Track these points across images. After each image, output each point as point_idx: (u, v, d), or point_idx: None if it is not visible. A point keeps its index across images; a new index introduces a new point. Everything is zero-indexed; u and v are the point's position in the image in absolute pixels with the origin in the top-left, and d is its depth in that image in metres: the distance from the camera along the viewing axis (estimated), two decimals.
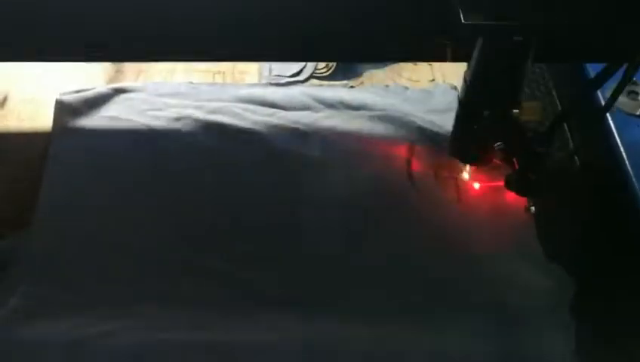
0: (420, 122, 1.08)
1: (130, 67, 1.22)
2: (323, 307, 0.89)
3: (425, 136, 1.07)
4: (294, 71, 1.22)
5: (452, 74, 1.22)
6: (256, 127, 1.08)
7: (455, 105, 1.12)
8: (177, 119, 1.09)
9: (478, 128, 0.79)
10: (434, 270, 0.93)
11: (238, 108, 1.11)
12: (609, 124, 0.97)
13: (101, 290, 0.89)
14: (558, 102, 1.08)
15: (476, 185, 0.98)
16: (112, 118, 1.10)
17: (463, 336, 0.87)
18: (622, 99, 0.98)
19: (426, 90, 1.19)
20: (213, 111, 1.10)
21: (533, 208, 0.86)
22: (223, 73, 1.22)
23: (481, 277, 0.93)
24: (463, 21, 0.63)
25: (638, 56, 0.67)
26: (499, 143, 0.78)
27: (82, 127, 1.08)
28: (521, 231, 0.98)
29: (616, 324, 0.87)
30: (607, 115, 0.96)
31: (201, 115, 1.10)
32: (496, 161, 0.83)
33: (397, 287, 0.92)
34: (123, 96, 1.13)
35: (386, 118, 1.09)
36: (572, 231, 0.98)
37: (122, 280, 0.90)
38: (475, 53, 0.70)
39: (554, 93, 1.10)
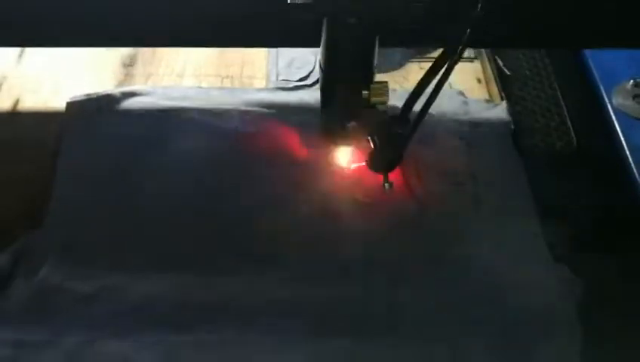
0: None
1: (139, 71, 1.23)
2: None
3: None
4: (302, 75, 1.23)
5: (459, 80, 1.22)
6: (263, 131, 1.10)
7: (463, 110, 1.15)
8: (185, 122, 1.11)
9: (332, 110, 0.84)
10: (437, 270, 0.94)
11: (246, 111, 1.13)
12: (615, 128, 0.98)
13: (114, 289, 0.90)
14: (563, 104, 1.09)
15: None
16: (120, 120, 1.11)
17: (466, 337, 0.87)
18: (627, 103, 0.98)
19: None
20: (221, 115, 1.12)
21: (387, 185, 0.89)
22: (232, 77, 1.24)
23: (486, 278, 0.93)
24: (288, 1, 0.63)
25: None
26: (352, 123, 0.83)
27: (92, 129, 1.10)
28: (526, 231, 0.99)
29: (625, 325, 0.87)
30: (613, 118, 0.97)
31: (209, 118, 1.11)
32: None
33: (398, 285, 0.92)
34: (132, 99, 1.15)
35: None
36: (579, 232, 0.99)
37: (135, 279, 0.91)
38: (322, 36, 0.73)
39: (559, 95, 1.11)
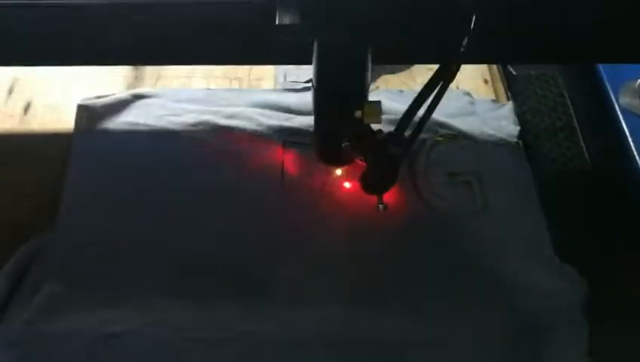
0: (435, 126, 1.10)
1: (148, 74, 1.25)
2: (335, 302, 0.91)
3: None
4: (310, 77, 1.24)
5: (465, 79, 1.23)
6: (272, 132, 1.11)
7: (469, 110, 1.16)
8: (194, 124, 1.12)
9: (326, 129, 0.83)
10: (445, 271, 0.94)
11: (255, 113, 1.14)
12: (622, 128, 0.98)
13: (124, 288, 0.91)
14: (569, 104, 1.09)
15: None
16: (130, 122, 1.12)
17: (475, 337, 0.88)
18: (634, 102, 0.98)
19: None
20: (230, 117, 1.13)
21: (381, 206, 0.88)
22: (240, 79, 1.25)
23: (493, 279, 0.93)
24: (277, 23, 0.59)
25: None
26: (346, 143, 0.81)
27: (102, 131, 1.11)
28: (532, 231, 1.00)
29: (630, 324, 0.88)
30: (620, 117, 0.97)
31: (218, 119, 1.12)
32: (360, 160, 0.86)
33: (408, 285, 0.93)
34: (142, 101, 1.16)
35: None
36: (585, 232, 0.99)
37: (144, 277, 0.93)
38: (314, 55, 0.70)
39: (565, 94, 1.11)
